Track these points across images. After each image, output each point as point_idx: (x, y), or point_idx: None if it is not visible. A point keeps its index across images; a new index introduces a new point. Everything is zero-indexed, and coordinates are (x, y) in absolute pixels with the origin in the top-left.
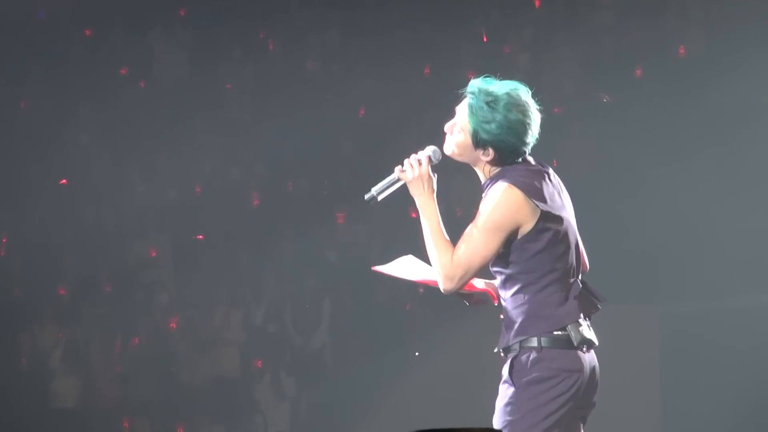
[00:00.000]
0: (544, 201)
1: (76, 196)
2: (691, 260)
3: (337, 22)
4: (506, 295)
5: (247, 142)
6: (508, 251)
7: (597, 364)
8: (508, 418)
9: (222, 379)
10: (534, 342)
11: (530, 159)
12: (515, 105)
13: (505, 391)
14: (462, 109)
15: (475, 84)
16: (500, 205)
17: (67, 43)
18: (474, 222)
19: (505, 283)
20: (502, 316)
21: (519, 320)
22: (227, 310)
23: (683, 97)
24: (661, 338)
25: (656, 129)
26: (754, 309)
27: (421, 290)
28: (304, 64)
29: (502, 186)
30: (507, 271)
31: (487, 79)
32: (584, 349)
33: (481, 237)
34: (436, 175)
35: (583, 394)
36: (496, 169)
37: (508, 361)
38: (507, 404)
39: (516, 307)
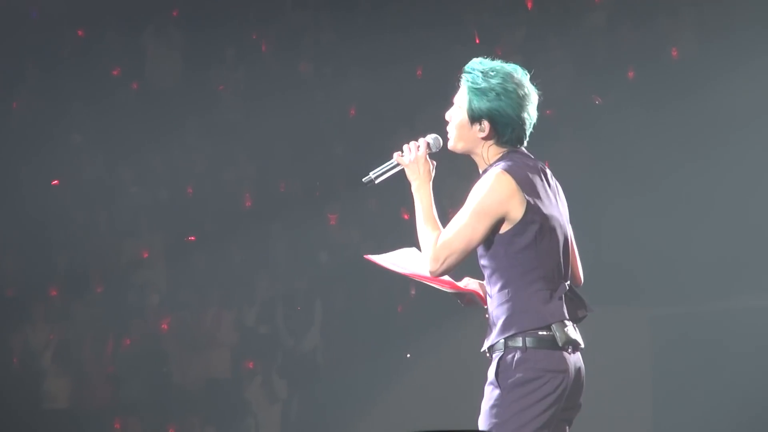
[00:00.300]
0: (535, 194)
1: (68, 196)
2: (682, 262)
3: (330, 23)
4: (492, 292)
5: (239, 143)
6: (496, 244)
7: (583, 365)
8: (494, 420)
9: (213, 380)
10: (519, 342)
11: (529, 154)
12: (511, 77)
13: (490, 393)
14: (460, 88)
15: (471, 62)
16: (491, 189)
17: (59, 44)
18: (464, 206)
19: (492, 279)
20: (487, 315)
21: (504, 317)
22: (219, 311)
23: (676, 100)
24: (652, 341)
25: (649, 131)
26: (745, 311)
27: (413, 292)
28: (297, 66)
29: (495, 171)
30: (493, 266)
31: (483, 59)
32: (569, 350)
33: (468, 220)
34: (434, 162)
35: (569, 395)
36: (494, 157)
37: (494, 362)
38: (492, 406)
39: (501, 304)
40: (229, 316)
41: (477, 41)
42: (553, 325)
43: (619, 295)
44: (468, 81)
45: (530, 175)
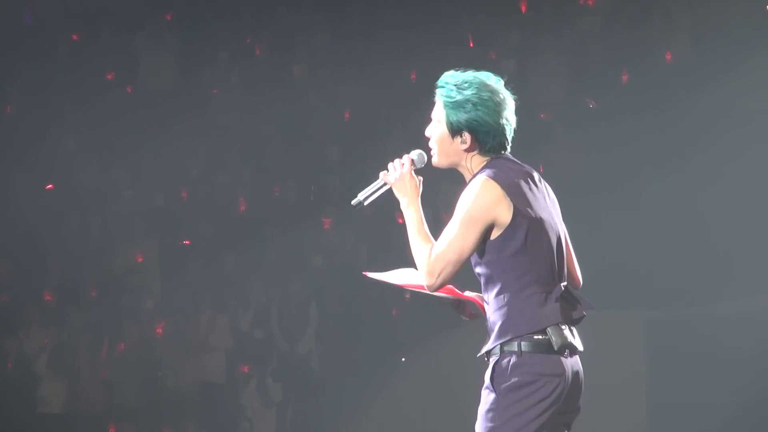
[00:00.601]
0: (522, 198)
1: (62, 200)
2: (676, 266)
3: (323, 26)
4: (488, 299)
5: (233, 147)
6: (488, 251)
7: (581, 369)
8: (490, 424)
9: (208, 385)
10: (514, 346)
11: (514, 159)
12: (485, 85)
13: (486, 397)
14: (436, 104)
15: (443, 76)
16: (477, 197)
17: (53, 48)
18: (452, 217)
19: (487, 286)
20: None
21: (500, 322)
22: (214, 315)
23: (669, 103)
24: (647, 344)
25: (642, 134)
26: (739, 314)
27: (408, 296)
28: (290, 69)
29: (480, 179)
30: (488, 272)
31: (454, 71)
32: (566, 353)
33: (458, 230)
34: (421, 177)
35: (566, 399)
36: (479, 166)
37: (490, 366)
38: (488, 410)
39: (497, 310)
40: (224, 320)
41: (471, 44)
42: (549, 329)
43: (614, 299)
44: (443, 96)
45: (516, 179)
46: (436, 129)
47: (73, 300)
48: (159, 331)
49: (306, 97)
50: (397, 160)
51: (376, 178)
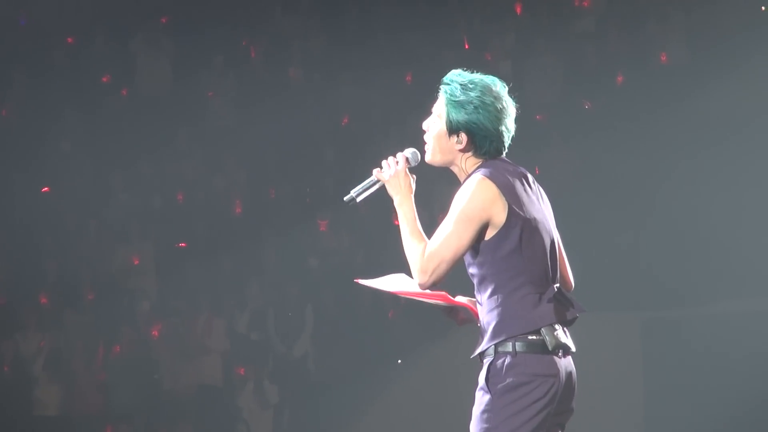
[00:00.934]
0: (517, 198)
1: (58, 203)
2: (672, 267)
3: (319, 29)
4: (482, 299)
5: (229, 150)
6: (482, 251)
7: (574, 369)
8: (485, 425)
9: (205, 387)
10: (509, 347)
11: (509, 161)
12: (489, 90)
13: (480, 398)
14: (439, 99)
15: (451, 73)
16: (473, 195)
17: (49, 51)
18: (447, 215)
19: (480, 286)
20: (480, 325)
21: (494, 323)
22: (210, 317)
23: (664, 104)
24: (643, 345)
25: (638, 136)
26: (735, 316)
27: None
28: (286, 72)
29: (476, 178)
30: (481, 273)
31: (462, 71)
32: (560, 354)
33: (453, 228)
34: (414, 176)
35: (560, 399)
36: (473, 167)
37: (484, 367)
38: (483, 411)
39: (490, 311)
40: (220, 323)
41: (466, 47)
42: (543, 329)
43: (610, 300)
44: (447, 93)
45: (511, 179)
46: (435, 124)
47: (70, 302)
48: (155, 333)
49: (301, 100)
50: (391, 158)
51: (370, 174)
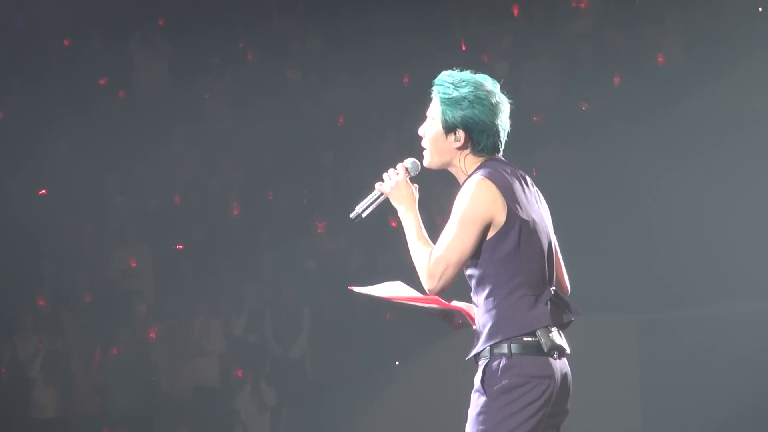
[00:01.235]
0: (516, 199)
1: (55, 205)
2: (670, 268)
3: (316, 31)
4: (478, 301)
5: (226, 152)
6: (481, 252)
7: (569, 371)
8: (481, 427)
9: (202, 389)
10: (504, 348)
11: (507, 162)
12: (482, 85)
13: (476, 400)
14: (432, 101)
15: (441, 75)
16: (474, 196)
17: (45, 53)
18: (449, 218)
19: (477, 287)
20: (475, 327)
21: (489, 324)
22: (207, 319)
23: (662, 106)
24: (640, 346)
25: (635, 137)
26: (733, 316)
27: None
28: (283, 74)
29: (475, 179)
30: (479, 274)
31: (452, 71)
32: (555, 355)
33: (457, 231)
34: (417, 185)
35: (556, 401)
36: (472, 167)
37: (480, 369)
38: (479, 414)
39: (486, 312)
40: (218, 325)
41: (463, 48)
42: (538, 331)
43: (608, 301)
44: (439, 93)
45: (510, 180)
46: (431, 127)
47: (67, 305)
48: (152, 335)
49: (299, 102)
50: (391, 170)
51: (372, 189)
